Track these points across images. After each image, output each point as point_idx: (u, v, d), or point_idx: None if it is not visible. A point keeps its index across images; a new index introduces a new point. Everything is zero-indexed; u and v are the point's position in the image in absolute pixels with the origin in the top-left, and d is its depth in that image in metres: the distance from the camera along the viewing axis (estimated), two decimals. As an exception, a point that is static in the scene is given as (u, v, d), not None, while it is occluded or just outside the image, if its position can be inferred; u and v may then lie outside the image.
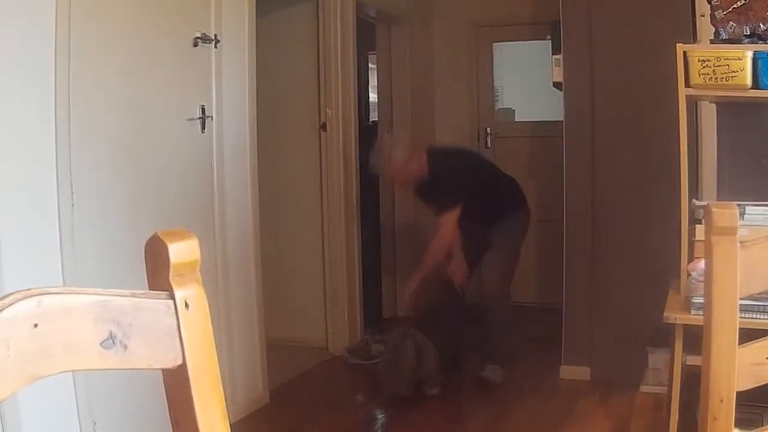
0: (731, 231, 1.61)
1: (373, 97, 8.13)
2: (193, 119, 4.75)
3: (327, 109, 6.56)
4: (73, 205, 3.78)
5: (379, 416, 5.47)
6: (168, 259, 1.19)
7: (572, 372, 5.84)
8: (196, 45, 4.73)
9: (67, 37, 3.70)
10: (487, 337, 5.95)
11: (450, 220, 5.70)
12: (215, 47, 4.89)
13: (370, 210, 7.38)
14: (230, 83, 5.05)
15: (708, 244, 1.62)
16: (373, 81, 8.12)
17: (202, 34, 4.76)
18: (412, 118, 8.01)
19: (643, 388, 5.44)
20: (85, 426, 3.85)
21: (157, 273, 1.21)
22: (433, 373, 5.57)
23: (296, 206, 6.75)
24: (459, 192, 5.74)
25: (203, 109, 4.81)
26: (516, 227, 5.96)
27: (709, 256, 1.63)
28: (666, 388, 4.19)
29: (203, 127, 4.81)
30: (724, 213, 1.61)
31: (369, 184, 7.19)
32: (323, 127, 6.58)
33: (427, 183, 5.81)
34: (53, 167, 3.68)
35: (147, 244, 1.21)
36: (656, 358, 5.33)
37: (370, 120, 8.05)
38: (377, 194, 7.69)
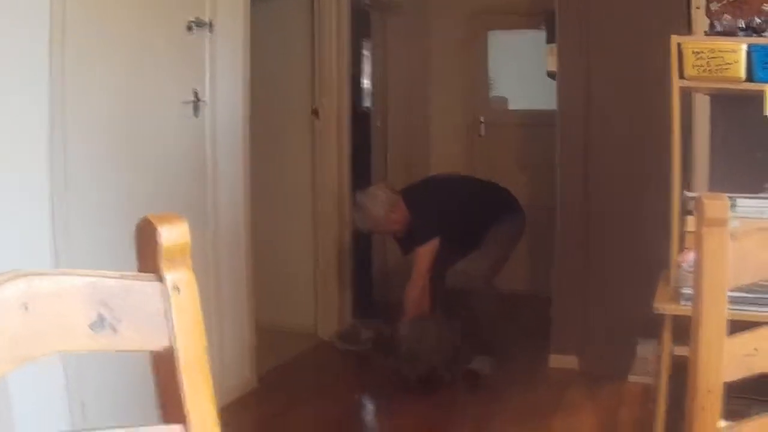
0: (722, 222, 1.62)
1: (367, 84, 8.12)
2: (186, 103, 4.74)
3: (321, 96, 6.55)
4: (66, 190, 3.77)
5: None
6: (158, 242, 1.19)
7: (561, 361, 5.85)
8: (190, 29, 4.72)
9: (61, 21, 3.69)
10: (473, 327, 5.95)
11: (424, 253, 5.78)
12: (209, 32, 4.87)
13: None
14: (224, 69, 5.03)
15: (698, 235, 1.63)
16: (367, 68, 8.11)
17: (196, 18, 4.74)
18: (405, 106, 8.01)
19: (632, 378, 5.45)
20: (73, 407, 3.85)
21: (147, 256, 1.21)
22: (450, 359, 5.60)
23: (288, 191, 6.74)
24: (433, 226, 5.83)
25: (196, 94, 4.80)
26: (508, 228, 5.95)
27: (699, 247, 1.63)
28: (654, 378, 4.20)
29: (196, 112, 4.80)
30: (715, 204, 1.61)
31: (361, 169, 7.19)
32: (316, 113, 6.58)
33: (412, 224, 5.89)
34: (46, 152, 3.67)
35: (137, 227, 1.21)
36: (645, 349, 5.33)
37: (364, 107, 8.04)
38: (369, 180, 7.68)
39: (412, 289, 5.78)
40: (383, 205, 5.81)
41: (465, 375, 5.71)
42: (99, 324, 1.16)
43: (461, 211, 5.89)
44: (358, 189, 6.20)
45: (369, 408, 5.55)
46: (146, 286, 1.21)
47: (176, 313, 1.22)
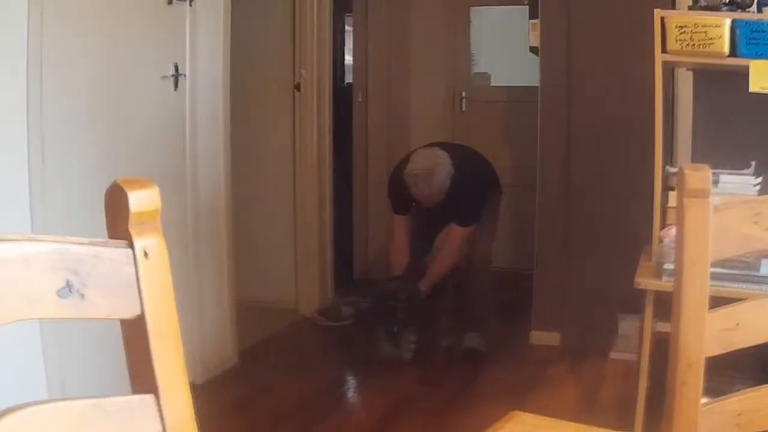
0: (704, 193, 1.60)
1: (348, 59, 8.10)
2: (166, 77, 4.71)
3: (301, 70, 6.51)
4: (43, 161, 3.75)
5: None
6: (127, 207, 1.16)
7: (542, 338, 5.84)
8: (170, 2, 4.68)
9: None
10: (467, 304, 5.91)
11: (465, 235, 5.62)
12: (190, 5, 4.83)
13: (343, 171, 7.36)
14: (204, 42, 5.00)
15: (680, 206, 1.61)
16: (349, 43, 8.09)
17: (176, -9, 4.72)
18: (387, 81, 7.98)
19: (614, 355, 5.45)
20: (53, 385, 3.83)
21: (117, 221, 1.19)
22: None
23: (268, 166, 6.71)
24: (479, 206, 5.64)
25: (176, 67, 4.77)
26: (495, 204, 5.90)
27: (681, 219, 1.62)
28: (636, 354, 4.20)
29: (176, 85, 4.77)
30: (697, 175, 1.60)
31: (342, 144, 7.18)
32: (297, 87, 6.54)
33: (448, 196, 5.50)
34: (24, 122, 3.64)
35: (107, 192, 1.18)
36: (627, 325, 5.33)
37: (345, 82, 8.02)
38: (350, 155, 7.68)
39: (450, 257, 5.69)
40: (448, 176, 5.39)
41: (465, 353, 5.69)
42: (66, 290, 1.13)
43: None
44: (417, 150, 5.70)
45: (350, 384, 5.54)
46: (116, 252, 1.18)
47: (145, 279, 1.20)
